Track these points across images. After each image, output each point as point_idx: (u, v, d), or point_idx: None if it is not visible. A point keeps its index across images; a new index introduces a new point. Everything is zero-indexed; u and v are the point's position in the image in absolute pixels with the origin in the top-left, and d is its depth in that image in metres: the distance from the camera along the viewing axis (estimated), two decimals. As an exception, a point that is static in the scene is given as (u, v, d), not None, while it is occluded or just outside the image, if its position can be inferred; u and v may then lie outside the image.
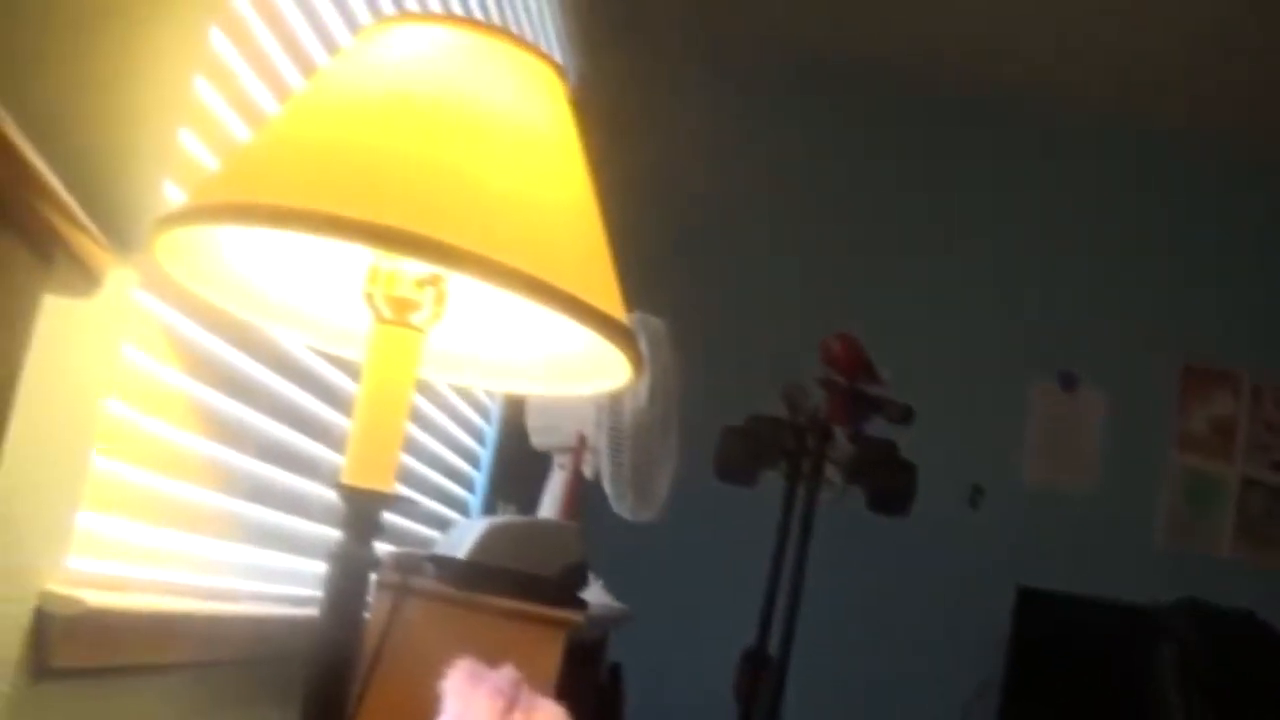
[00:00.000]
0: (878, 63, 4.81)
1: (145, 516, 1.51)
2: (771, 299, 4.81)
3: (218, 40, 1.51)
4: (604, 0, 3.80)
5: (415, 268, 1.32)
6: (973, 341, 4.77)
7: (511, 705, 1.58)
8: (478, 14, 2.60)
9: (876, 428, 3.19)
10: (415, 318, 1.34)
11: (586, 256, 1.27)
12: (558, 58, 3.13)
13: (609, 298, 1.27)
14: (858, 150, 4.97)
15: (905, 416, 3.14)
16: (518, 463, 3.19)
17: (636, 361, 1.34)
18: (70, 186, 0.84)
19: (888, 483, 3.14)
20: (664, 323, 2.80)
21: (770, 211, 4.90)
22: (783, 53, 4.87)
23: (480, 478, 3.40)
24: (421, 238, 1.11)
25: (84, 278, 0.92)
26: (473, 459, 3.30)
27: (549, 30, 3.29)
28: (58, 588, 1.25)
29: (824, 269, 4.86)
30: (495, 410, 3.46)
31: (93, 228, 0.89)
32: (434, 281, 1.33)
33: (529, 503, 2.73)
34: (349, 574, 1.34)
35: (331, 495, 2.09)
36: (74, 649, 1.29)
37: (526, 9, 3.04)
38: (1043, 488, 4.70)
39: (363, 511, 1.33)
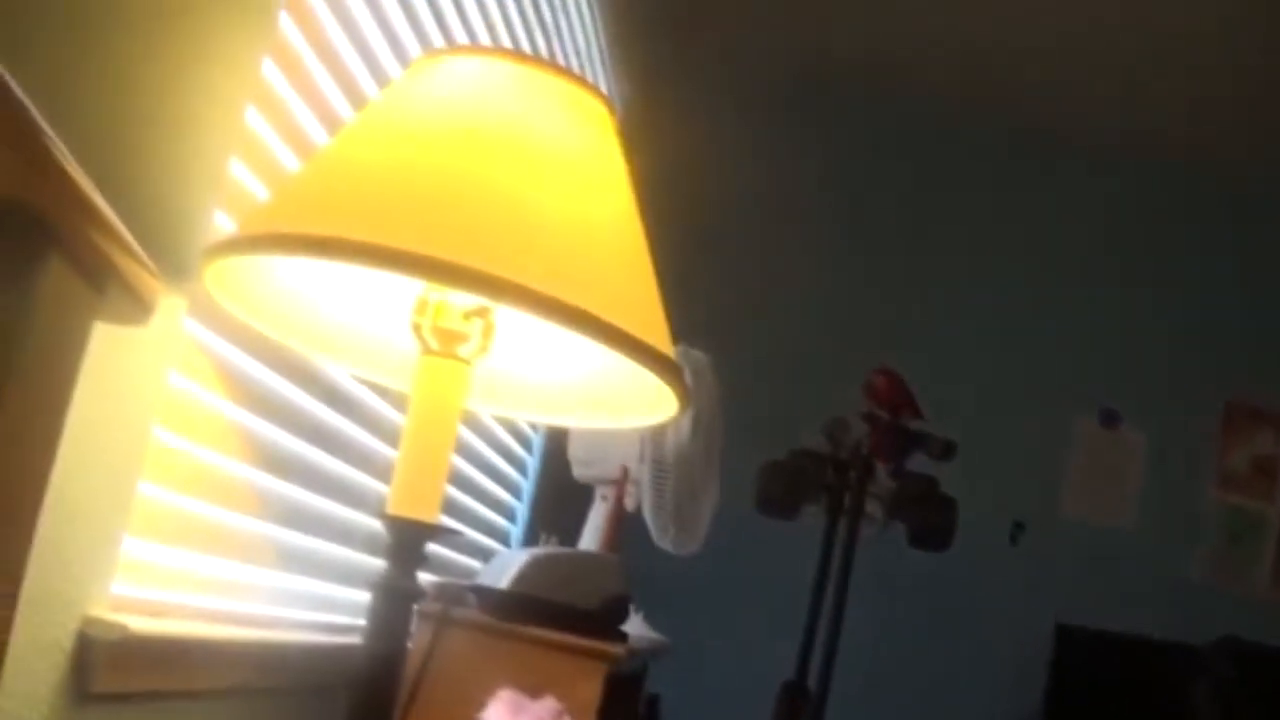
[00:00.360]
0: (923, 94, 4.80)
1: (189, 543, 1.51)
2: (814, 333, 4.79)
3: (269, 71, 1.52)
4: (650, 32, 3.80)
5: (463, 299, 1.32)
6: (1015, 378, 4.74)
7: (552, 738, 1.57)
8: (525, 45, 2.60)
9: (917, 463, 3.17)
10: (462, 350, 1.33)
11: (635, 290, 1.26)
12: (603, 86, 3.14)
13: (657, 332, 1.26)
14: (903, 183, 4.96)
15: (947, 452, 3.11)
16: (559, 494, 3.18)
17: (683, 396, 1.33)
18: (122, 215, 0.83)
19: (929, 518, 3.11)
20: (706, 355, 2.79)
21: (814, 245, 4.89)
22: (830, 85, 4.86)
23: (522, 508, 3.39)
24: (470, 270, 1.11)
25: (136, 306, 0.92)
26: (515, 489, 3.29)
27: (594, 58, 3.30)
28: (101, 613, 1.25)
29: (867, 303, 4.84)
30: (537, 441, 3.45)
31: (145, 257, 0.89)
32: (482, 313, 1.33)
33: (570, 534, 2.72)
34: (393, 603, 1.33)
35: (374, 524, 2.09)
36: (116, 674, 1.28)
37: (573, 37, 3.04)
38: (1083, 525, 4.66)
39: (407, 542, 1.32)
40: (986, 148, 4.91)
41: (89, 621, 1.24)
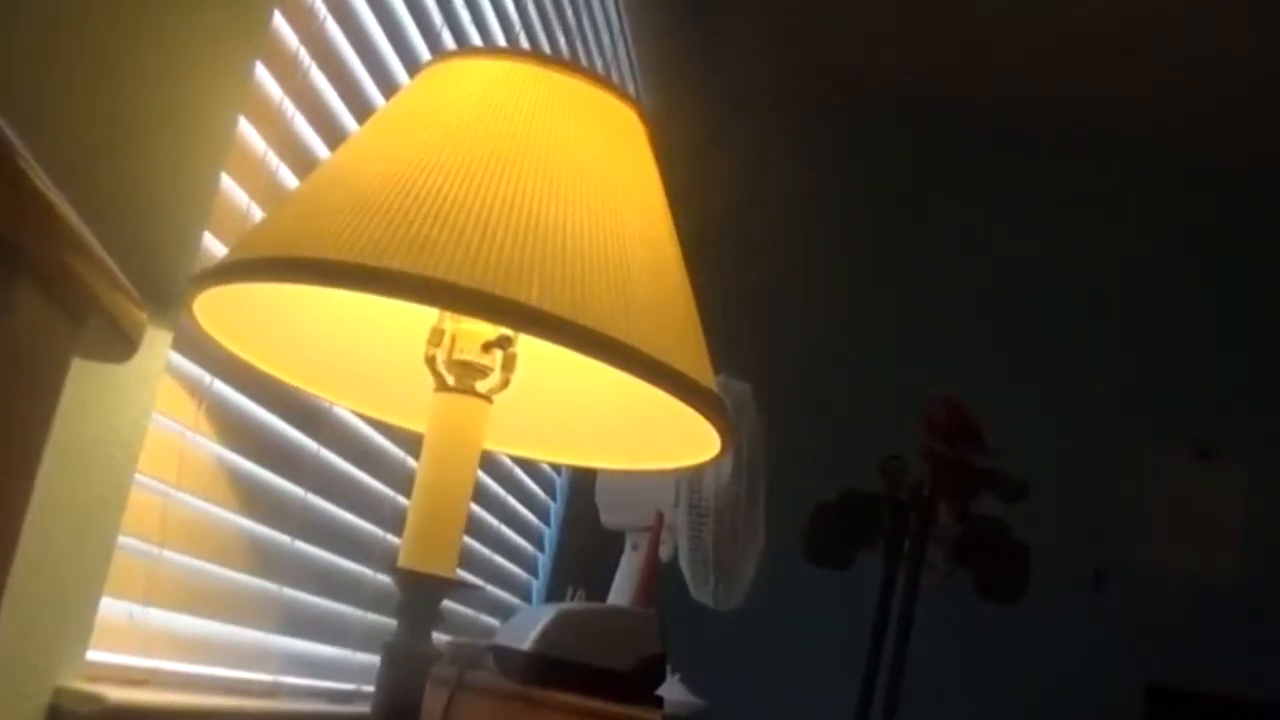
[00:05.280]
0: (988, 114, 4.78)
1: (175, 603, 1.50)
2: (867, 360, 4.77)
3: (262, 76, 1.51)
4: (676, 34, 3.80)
5: (482, 329, 1.31)
6: (1095, 407, 4.70)
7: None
8: (545, 47, 2.60)
9: (986, 504, 3.14)
10: (481, 385, 1.33)
11: (672, 316, 1.25)
12: (631, 92, 3.13)
13: (697, 363, 1.25)
14: (965, 202, 4.94)
15: (1019, 492, 3.09)
16: (586, 543, 3.17)
17: (727, 435, 1.31)
18: (101, 237, 0.83)
19: (998, 566, 3.09)
20: (749, 387, 2.77)
21: (865, 264, 4.88)
22: (879, 101, 4.86)
23: (544, 559, 3.38)
24: (488, 295, 1.10)
25: (118, 340, 0.91)
26: (537, 539, 3.28)
27: (620, 60, 3.30)
28: (74, 683, 1.24)
29: (926, 327, 4.82)
30: (562, 485, 3.45)
31: (129, 285, 0.88)
32: (502, 344, 1.32)
33: (599, 587, 2.70)
34: (405, 668, 1.33)
35: (383, 579, 2.08)
36: (93, 752, 1.27)
37: (598, 38, 3.04)
38: (1175, 572, 4.61)
39: (421, 598, 1.32)
40: (1060, 169, 4.88)
41: (60, 693, 1.23)
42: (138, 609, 1.41)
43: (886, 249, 4.90)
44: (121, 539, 1.32)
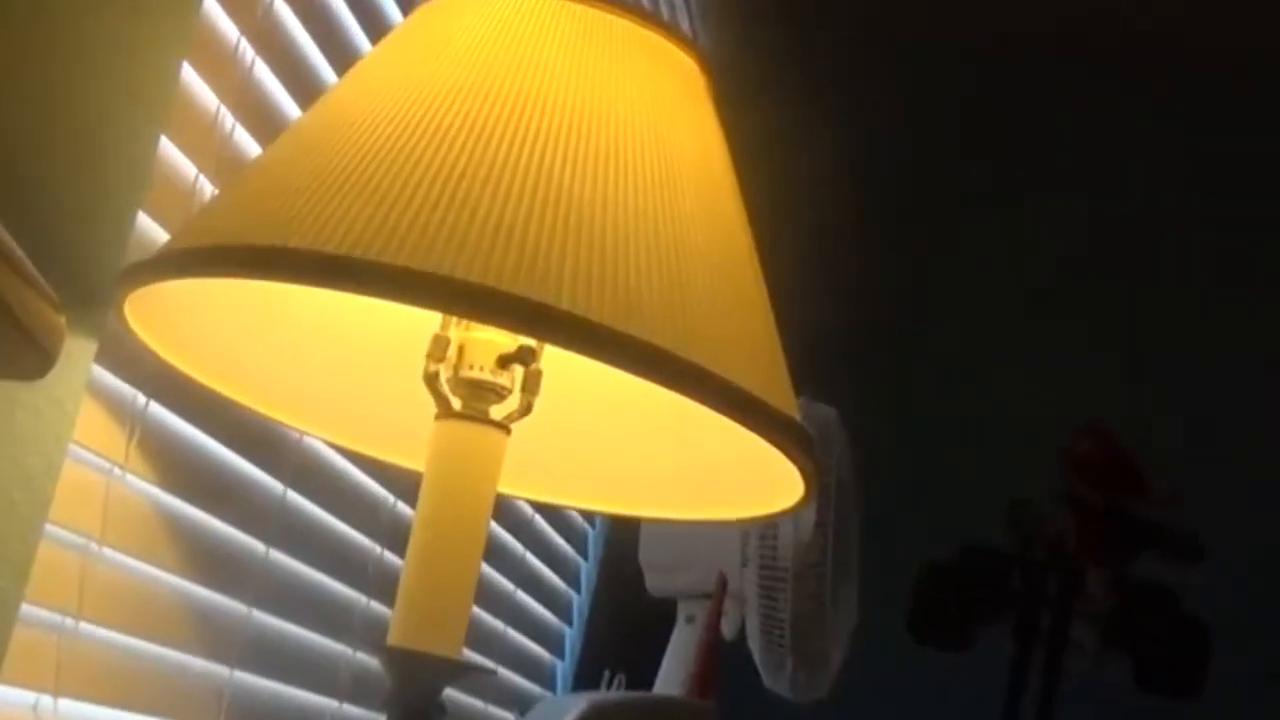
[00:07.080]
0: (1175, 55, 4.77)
1: (95, 692, 1.50)
2: (990, 377, 4.75)
3: (212, 12, 1.52)
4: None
5: (498, 339, 1.31)
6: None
7: None
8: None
9: (1149, 568, 3.14)
10: (496, 410, 1.33)
11: (743, 324, 1.25)
12: (686, 31, 3.13)
13: (775, 384, 1.25)
14: (1135, 154, 4.90)
15: (1193, 552, 3.08)
16: (627, 615, 3.17)
17: (812, 475, 1.31)
18: (5, 220, 0.83)
19: (1165, 650, 3.08)
20: (835, 413, 2.77)
21: (983, 251, 4.85)
22: (1016, 48, 4.85)
23: (573, 635, 3.39)
24: (511, 297, 1.10)
25: (27, 351, 0.92)
26: (564, 609, 3.28)
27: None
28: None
29: (1070, 334, 4.79)
30: (596, 539, 3.45)
31: (41, 281, 0.89)
32: (523, 358, 1.32)
33: (644, 672, 2.71)
34: (395, 777, 1.33)
35: (368, 661, 2.08)
36: None
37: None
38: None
39: (417, 686, 1.32)
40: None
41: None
42: (45, 700, 1.41)
43: (1014, 231, 4.87)
44: (26, 608, 1.32)
